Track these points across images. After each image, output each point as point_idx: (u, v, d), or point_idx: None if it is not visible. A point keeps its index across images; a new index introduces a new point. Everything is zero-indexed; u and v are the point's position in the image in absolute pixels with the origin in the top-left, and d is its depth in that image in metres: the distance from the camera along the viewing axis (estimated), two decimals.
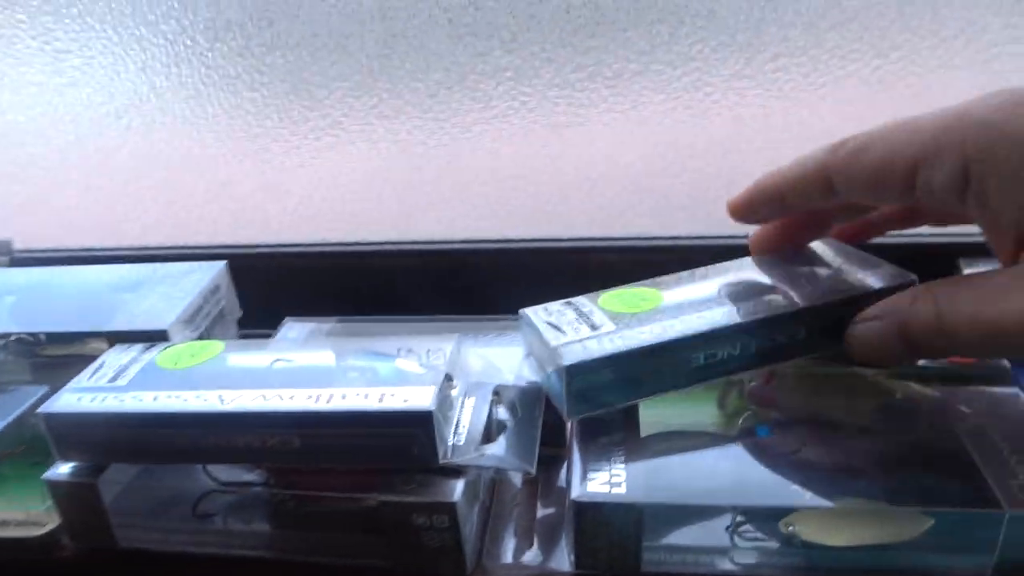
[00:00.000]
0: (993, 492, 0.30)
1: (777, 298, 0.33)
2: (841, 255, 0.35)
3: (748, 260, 0.37)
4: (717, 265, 0.36)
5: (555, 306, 0.34)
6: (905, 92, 0.42)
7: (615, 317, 0.32)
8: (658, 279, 0.36)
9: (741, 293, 0.34)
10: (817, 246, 0.36)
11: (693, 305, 0.33)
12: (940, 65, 0.41)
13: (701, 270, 0.36)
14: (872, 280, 0.33)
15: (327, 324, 0.47)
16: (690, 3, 0.42)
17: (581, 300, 0.34)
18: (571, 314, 0.33)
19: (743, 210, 0.33)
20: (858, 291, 0.32)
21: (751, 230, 0.47)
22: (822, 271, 0.34)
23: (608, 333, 0.31)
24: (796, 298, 0.33)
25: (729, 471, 0.33)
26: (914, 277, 0.32)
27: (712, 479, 0.33)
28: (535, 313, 0.34)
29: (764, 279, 0.35)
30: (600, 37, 0.43)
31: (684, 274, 0.36)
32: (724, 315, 0.32)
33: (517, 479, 0.39)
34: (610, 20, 0.43)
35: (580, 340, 0.31)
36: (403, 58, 0.45)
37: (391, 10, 0.44)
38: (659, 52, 0.43)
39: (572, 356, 0.30)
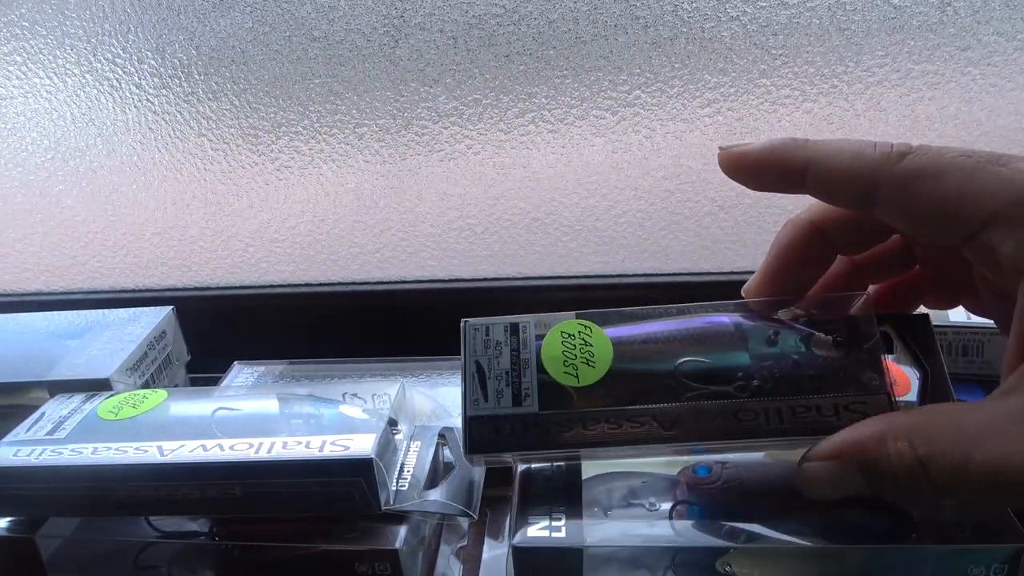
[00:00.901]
0: (918, 526, 0.31)
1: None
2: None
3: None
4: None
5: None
6: (836, 134, 0.43)
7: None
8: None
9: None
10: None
11: None
12: (867, 108, 0.43)
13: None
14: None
15: (277, 367, 0.47)
16: (626, 52, 0.43)
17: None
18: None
19: (747, 163, 0.26)
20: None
21: (694, 267, 0.48)
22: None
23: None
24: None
25: (668, 512, 0.34)
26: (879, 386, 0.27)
27: (651, 521, 0.34)
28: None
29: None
30: (541, 84, 0.45)
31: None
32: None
33: (465, 523, 0.39)
34: (551, 68, 0.44)
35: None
36: (349, 104, 0.46)
37: (336, 57, 0.45)
38: (599, 99, 0.45)
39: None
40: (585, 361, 0.28)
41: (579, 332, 0.28)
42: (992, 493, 0.22)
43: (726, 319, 0.29)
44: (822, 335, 0.28)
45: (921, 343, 0.30)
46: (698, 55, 0.43)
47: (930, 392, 0.29)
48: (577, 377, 0.27)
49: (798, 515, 0.33)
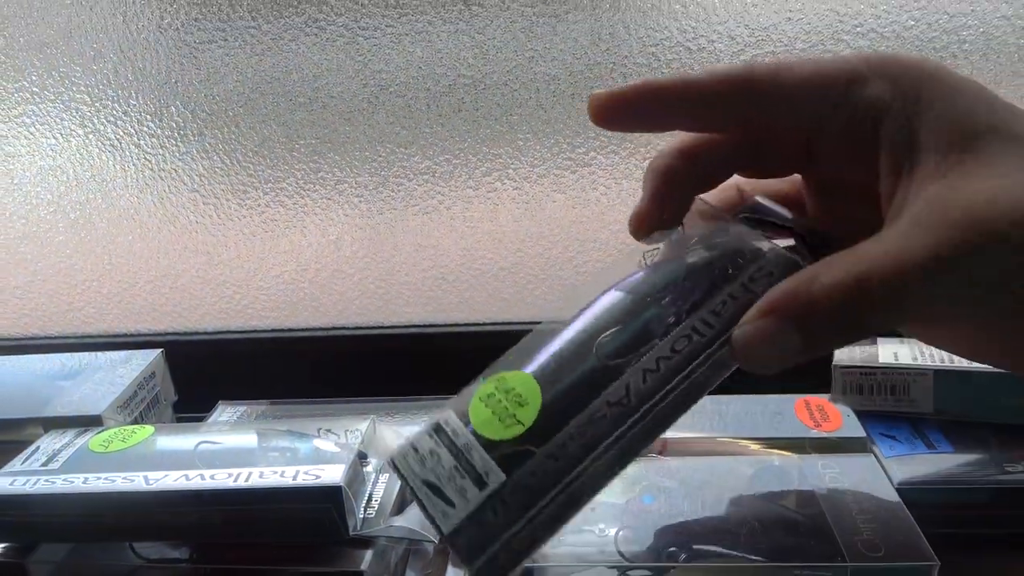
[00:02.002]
0: (840, 547, 0.34)
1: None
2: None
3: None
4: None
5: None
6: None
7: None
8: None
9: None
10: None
11: None
12: None
13: None
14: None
15: (259, 407, 0.50)
16: (582, 118, 0.47)
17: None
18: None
19: (614, 101, 0.26)
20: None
21: None
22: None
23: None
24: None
25: (615, 534, 0.37)
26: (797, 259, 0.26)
27: (600, 544, 0.37)
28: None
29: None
30: (506, 146, 0.49)
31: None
32: None
33: (430, 548, 0.41)
34: (515, 131, 0.48)
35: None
36: (331, 162, 0.50)
37: (320, 120, 0.49)
38: (559, 159, 0.49)
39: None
40: (517, 403, 0.26)
41: (495, 387, 0.27)
42: (932, 290, 0.21)
43: (614, 291, 0.28)
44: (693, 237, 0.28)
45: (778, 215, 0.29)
46: None
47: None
48: (519, 421, 0.26)
49: (733, 538, 0.36)
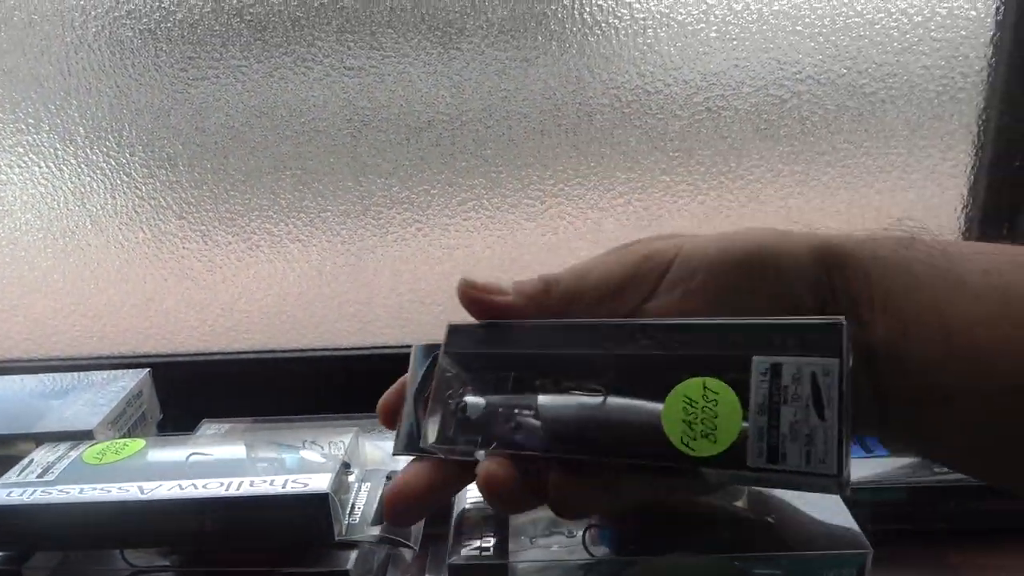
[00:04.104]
0: (783, 540, 0.38)
1: None
2: None
3: None
4: None
5: None
6: (723, 222, 0.52)
7: None
8: None
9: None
10: None
11: None
12: (749, 201, 0.52)
13: None
14: None
15: (242, 424, 0.53)
16: (551, 152, 0.52)
17: None
18: None
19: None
20: None
21: None
22: None
23: None
24: None
25: (583, 533, 0.40)
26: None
27: (568, 543, 0.40)
28: None
29: None
30: (480, 177, 0.52)
31: None
32: None
33: (409, 554, 0.44)
34: (488, 164, 0.52)
35: None
36: (315, 192, 0.53)
37: (305, 152, 0.52)
38: (529, 190, 0.53)
39: None
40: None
41: None
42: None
43: None
44: None
45: None
46: (610, 156, 0.51)
47: None
48: None
49: (690, 538, 0.39)
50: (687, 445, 0.26)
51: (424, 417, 0.31)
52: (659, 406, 0.27)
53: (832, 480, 0.24)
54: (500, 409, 0.30)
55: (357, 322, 0.56)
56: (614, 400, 0.28)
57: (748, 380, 0.25)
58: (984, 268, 0.27)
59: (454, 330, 0.33)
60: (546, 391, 0.29)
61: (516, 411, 0.29)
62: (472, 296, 0.32)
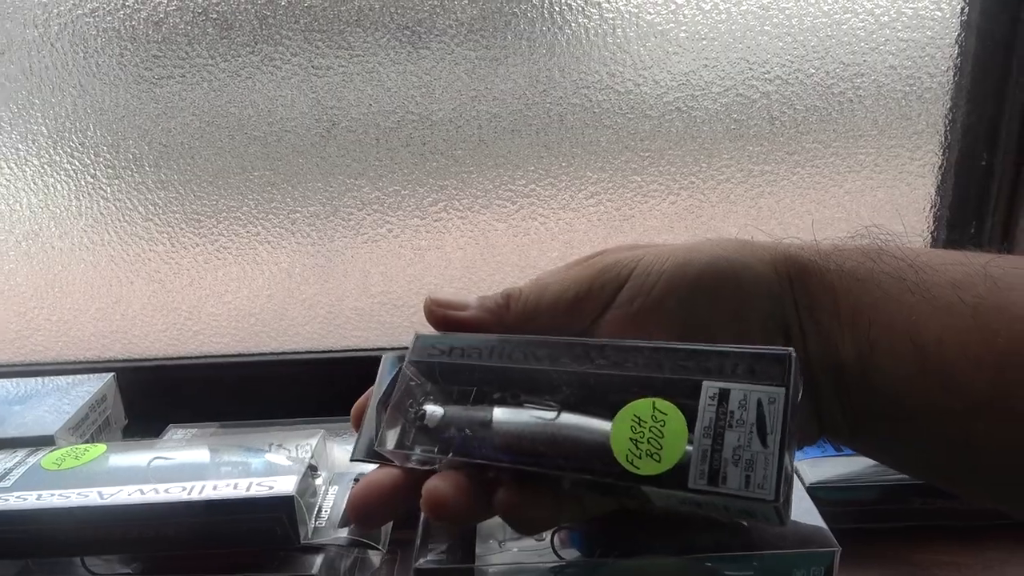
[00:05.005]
0: (753, 539, 0.38)
1: None
2: None
3: None
4: None
5: None
6: (695, 222, 0.52)
7: None
8: None
9: None
10: None
11: None
12: (721, 201, 0.52)
13: None
14: None
15: (209, 429, 0.52)
16: (522, 153, 0.51)
17: None
18: None
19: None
20: None
21: None
22: None
23: None
24: None
25: (552, 536, 0.40)
26: None
27: (537, 546, 0.39)
28: None
29: None
30: (451, 178, 0.52)
31: None
32: None
33: (377, 557, 0.43)
34: (459, 165, 0.52)
35: None
36: (284, 193, 0.53)
37: (273, 153, 0.52)
38: (500, 191, 0.52)
39: None
40: None
41: None
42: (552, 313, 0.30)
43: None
44: None
45: None
46: (581, 156, 0.51)
47: None
48: None
49: (661, 539, 0.39)
50: (631, 463, 0.26)
51: (385, 424, 0.32)
52: (608, 424, 0.27)
53: (769, 505, 0.24)
54: (457, 419, 0.30)
55: (327, 325, 0.56)
56: (567, 416, 0.29)
57: (696, 404, 0.26)
58: (953, 280, 0.26)
59: (421, 340, 0.34)
60: (503, 404, 0.30)
61: (472, 422, 0.30)
62: (436, 312, 0.33)
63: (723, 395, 0.26)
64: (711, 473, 0.25)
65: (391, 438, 0.31)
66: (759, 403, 0.25)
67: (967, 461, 0.27)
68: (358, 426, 0.35)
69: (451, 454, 0.30)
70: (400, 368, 0.34)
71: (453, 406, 0.31)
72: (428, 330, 0.34)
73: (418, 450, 0.30)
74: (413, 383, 0.33)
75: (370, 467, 0.33)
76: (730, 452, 0.25)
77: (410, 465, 0.31)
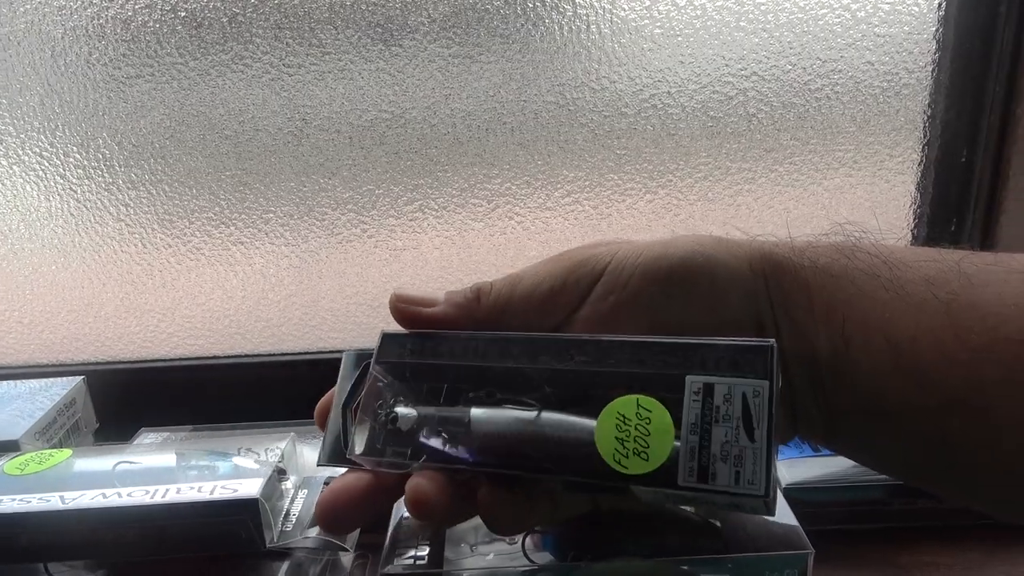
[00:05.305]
0: (725, 541, 0.37)
1: None
2: None
3: None
4: None
5: None
6: (673, 220, 0.51)
7: None
8: None
9: None
10: None
11: None
12: (698, 199, 0.51)
13: None
14: None
15: (182, 432, 0.51)
16: (497, 151, 0.51)
17: None
18: None
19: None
20: None
21: None
22: None
23: None
24: None
25: (523, 539, 0.39)
26: None
27: (509, 550, 0.39)
28: None
29: None
30: (426, 177, 0.52)
31: None
32: None
33: (348, 562, 0.43)
34: (434, 163, 0.51)
35: None
36: (257, 193, 0.52)
37: (245, 153, 0.51)
38: (476, 190, 0.52)
39: None
40: None
41: None
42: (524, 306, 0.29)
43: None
44: None
45: None
46: (557, 154, 0.51)
47: None
48: None
49: (631, 541, 0.39)
50: (619, 463, 0.26)
51: (353, 427, 0.31)
52: (592, 422, 0.27)
53: (760, 500, 0.24)
54: (432, 421, 0.29)
55: (302, 326, 0.55)
56: (548, 415, 0.28)
57: (681, 399, 0.26)
58: (927, 277, 0.26)
59: (388, 339, 0.32)
60: (479, 404, 0.29)
61: (448, 423, 0.29)
62: (402, 309, 0.32)
63: (708, 390, 0.26)
64: (700, 470, 0.24)
65: (360, 442, 0.30)
66: (744, 396, 0.25)
67: (943, 459, 0.26)
68: (324, 426, 0.33)
69: (424, 457, 0.29)
70: (366, 367, 0.32)
71: (426, 407, 0.30)
72: (396, 328, 0.32)
73: (390, 453, 0.29)
74: (381, 384, 0.31)
75: (340, 470, 0.32)
76: (718, 448, 0.25)
77: (381, 469, 0.29)
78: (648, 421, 0.26)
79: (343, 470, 0.31)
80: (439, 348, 0.31)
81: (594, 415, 0.27)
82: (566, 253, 0.32)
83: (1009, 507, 0.27)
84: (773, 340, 0.26)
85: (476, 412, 0.29)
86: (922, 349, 0.25)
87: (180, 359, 0.55)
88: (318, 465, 0.32)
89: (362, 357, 0.33)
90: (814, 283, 0.28)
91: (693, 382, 0.26)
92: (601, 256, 0.30)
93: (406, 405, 0.30)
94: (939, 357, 0.25)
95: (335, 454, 0.31)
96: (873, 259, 0.27)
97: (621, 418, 0.26)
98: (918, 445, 0.27)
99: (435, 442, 0.29)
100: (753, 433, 0.24)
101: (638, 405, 0.26)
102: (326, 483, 0.42)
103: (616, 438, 0.26)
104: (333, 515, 0.30)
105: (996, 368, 0.24)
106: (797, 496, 0.41)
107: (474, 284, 0.32)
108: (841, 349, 0.27)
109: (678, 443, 0.25)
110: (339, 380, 0.34)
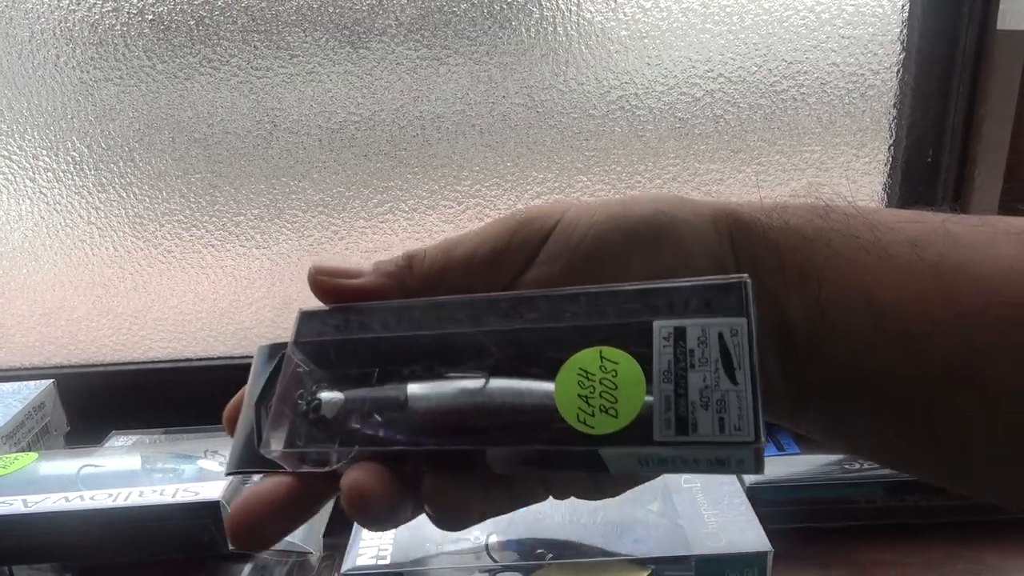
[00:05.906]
0: (687, 540, 0.38)
1: None
2: None
3: None
4: None
5: None
6: None
7: None
8: None
9: None
10: None
11: None
12: None
13: None
14: None
15: (153, 435, 0.51)
16: (466, 153, 0.51)
17: None
18: None
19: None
20: None
21: None
22: None
23: None
24: None
25: (487, 539, 0.39)
26: None
27: (475, 547, 0.39)
28: None
29: None
30: (396, 179, 0.52)
31: None
32: None
33: (315, 561, 0.43)
34: (403, 165, 0.51)
35: None
36: (227, 195, 0.52)
37: (215, 155, 0.51)
38: (446, 191, 0.52)
39: None
40: None
41: None
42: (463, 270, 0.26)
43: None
44: None
45: None
46: (526, 156, 0.51)
47: None
48: None
49: (594, 538, 0.39)
50: (584, 422, 0.22)
51: (268, 423, 0.26)
52: (550, 385, 0.23)
53: (749, 448, 0.21)
54: (362, 404, 0.25)
55: (275, 328, 0.55)
56: (497, 382, 0.24)
57: (650, 354, 0.23)
58: (911, 238, 0.24)
59: (306, 317, 0.28)
60: (417, 379, 0.25)
61: (382, 405, 0.25)
62: (323, 283, 0.28)
63: (679, 333, 0.23)
64: (678, 421, 0.22)
65: (277, 439, 0.25)
66: (720, 336, 0.22)
67: (925, 433, 0.24)
68: (233, 430, 0.28)
69: (357, 447, 0.24)
70: (282, 356, 0.27)
71: (355, 389, 0.25)
72: (317, 305, 0.28)
73: (315, 447, 0.25)
74: (301, 369, 0.26)
75: (255, 478, 0.27)
76: (696, 395, 0.22)
77: (304, 469, 0.25)
78: (615, 374, 0.23)
79: (258, 477, 0.26)
80: (368, 321, 0.27)
81: (551, 376, 0.23)
82: (510, 214, 0.28)
83: (1002, 488, 0.25)
84: (747, 276, 0.23)
85: (414, 388, 0.25)
86: (908, 314, 0.23)
87: (152, 362, 0.55)
88: (226, 474, 0.27)
89: (277, 349, 0.28)
90: (785, 245, 0.25)
91: (662, 327, 0.23)
92: (550, 213, 0.27)
93: (331, 390, 0.26)
94: (927, 323, 0.23)
95: (247, 458, 0.26)
96: (851, 220, 0.25)
97: (584, 374, 0.23)
98: (901, 419, 0.25)
99: (368, 428, 0.25)
100: (735, 375, 0.22)
101: (602, 358, 0.23)
102: None
103: (579, 396, 0.23)
104: (247, 530, 0.24)
105: (990, 334, 0.22)
106: (758, 496, 0.41)
107: (405, 251, 0.28)
108: (817, 316, 0.24)
109: (650, 398, 0.22)
110: (251, 377, 0.28)
